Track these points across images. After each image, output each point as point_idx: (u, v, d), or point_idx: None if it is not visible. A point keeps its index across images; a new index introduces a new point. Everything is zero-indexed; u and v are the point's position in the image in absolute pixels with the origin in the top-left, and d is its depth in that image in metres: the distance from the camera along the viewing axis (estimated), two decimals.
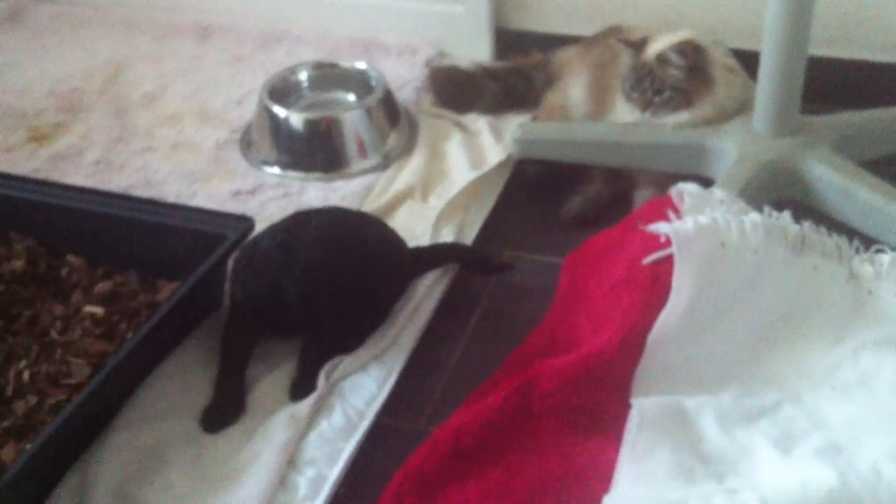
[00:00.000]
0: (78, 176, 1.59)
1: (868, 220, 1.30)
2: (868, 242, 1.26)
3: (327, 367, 1.21)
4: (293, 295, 1.21)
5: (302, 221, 1.29)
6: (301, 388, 1.20)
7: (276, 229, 1.27)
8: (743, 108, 1.44)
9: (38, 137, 1.71)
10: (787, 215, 1.24)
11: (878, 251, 1.24)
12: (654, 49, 1.45)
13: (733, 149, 1.39)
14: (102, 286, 1.31)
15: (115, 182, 1.57)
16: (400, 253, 1.33)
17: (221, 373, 1.21)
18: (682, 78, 1.42)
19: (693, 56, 1.41)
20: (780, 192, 1.36)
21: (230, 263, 1.27)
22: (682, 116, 1.44)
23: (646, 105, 1.44)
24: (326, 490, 1.09)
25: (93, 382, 1.09)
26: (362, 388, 1.21)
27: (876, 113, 1.49)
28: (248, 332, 1.25)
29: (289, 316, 1.22)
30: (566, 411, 1.12)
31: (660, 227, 1.21)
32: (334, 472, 1.11)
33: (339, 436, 1.15)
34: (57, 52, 1.95)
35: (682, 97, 1.43)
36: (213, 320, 1.29)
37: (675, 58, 1.41)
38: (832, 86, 1.58)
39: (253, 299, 1.23)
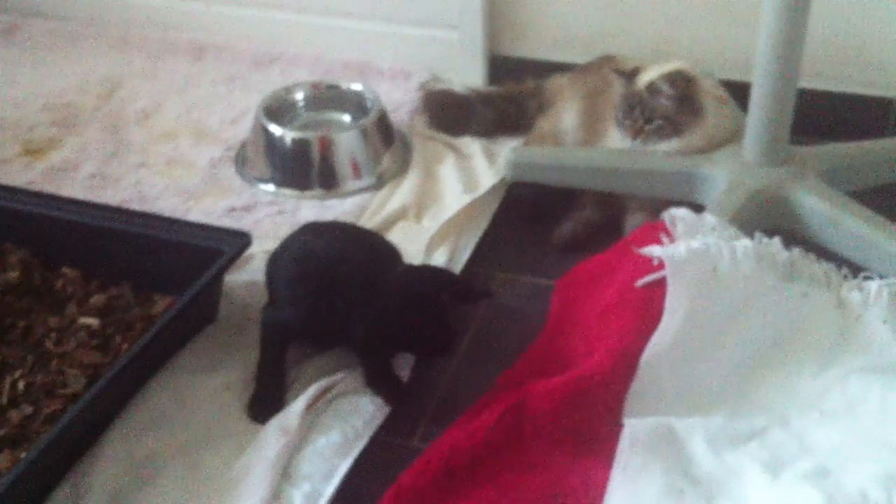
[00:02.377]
0: (72, 190, 1.59)
1: (855, 248, 1.32)
2: (856, 270, 1.28)
3: (324, 382, 1.22)
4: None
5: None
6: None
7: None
8: (733, 137, 1.46)
9: (33, 151, 1.71)
10: (776, 241, 1.27)
11: (866, 278, 1.26)
12: (644, 79, 1.47)
13: (723, 177, 1.42)
14: (97, 298, 1.32)
15: (109, 197, 1.58)
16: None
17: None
18: (671, 107, 1.45)
19: (683, 86, 1.44)
20: (769, 220, 1.38)
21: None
22: (672, 145, 1.46)
23: (636, 133, 1.47)
24: None
25: (89, 393, 1.10)
26: (360, 410, 1.21)
27: (863, 145, 1.51)
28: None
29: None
30: (558, 431, 1.13)
31: (653, 251, 1.23)
32: (329, 489, 1.12)
33: (335, 453, 1.15)
34: (52, 67, 1.96)
35: (672, 126, 1.45)
36: (208, 333, 1.30)
37: (665, 87, 1.44)
38: (821, 118, 1.61)
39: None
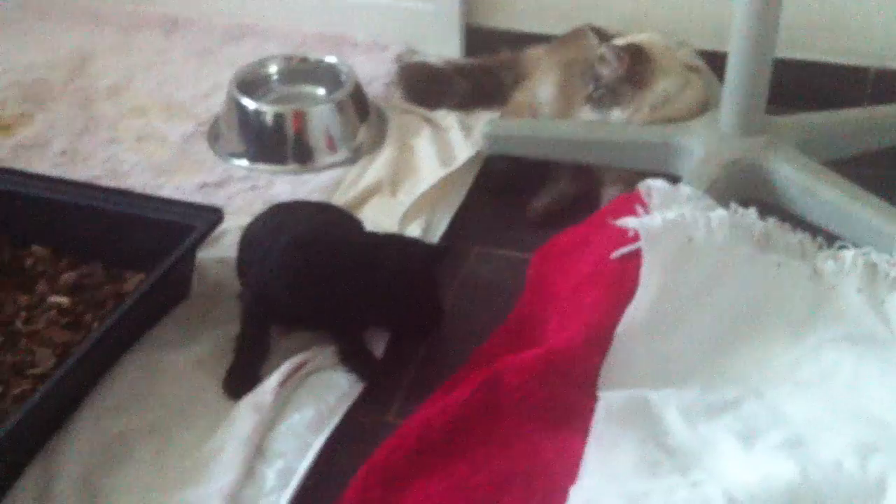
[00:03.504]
0: (43, 166, 1.57)
1: (831, 217, 1.32)
2: (831, 239, 1.28)
3: (297, 358, 1.21)
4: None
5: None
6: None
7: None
8: (705, 107, 1.46)
9: (2, 127, 1.68)
10: (752, 212, 1.26)
11: (841, 248, 1.26)
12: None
13: (700, 147, 1.41)
14: (68, 276, 1.30)
15: (80, 173, 1.55)
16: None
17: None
18: (613, 78, 1.44)
19: (629, 58, 1.43)
20: (746, 190, 1.37)
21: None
22: (616, 114, 1.46)
23: (587, 98, 1.48)
24: (295, 482, 1.09)
25: (58, 372, 1.09)
26: (334, 386, 1.20)
27: (839, 114, 1.51)
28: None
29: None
30: (532, 405, 1.13)
31: (628, 222, 1.22)
32: (303, 465, 1.11)
33: (308, 430, 1.15)
34: (21, 42, 1.93)
35: (612, 96, 1.45)
36: (180, 310, 1.28)
37: (609, 58, 1.44)
38: (797, 87, 1.60)
39: None
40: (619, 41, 1.46)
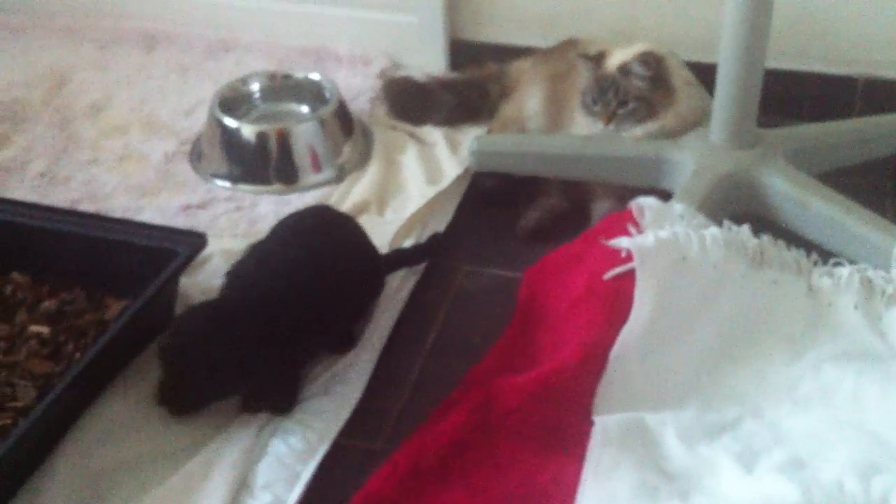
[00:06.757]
0: (21, 190, 1.55)
1: (824, 232, 1.31)
2: (826, 255, 1.27)
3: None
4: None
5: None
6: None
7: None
8: (701, 120, 1.44)
9: None
10: (745, 229, 1.25)
11: (837, 264, 1.25)
12: (613, 61, 1.44)
13: (691, 161, 1.39)
14: (48, 304, 1.27)
15: (59, 196, 1.53)
16: None
17: None
18: (646, 88, 1.42)
19: (655, 66, 1.41)
20: (738, 204, 1.36)
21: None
22: (647, 127, 1.43)
23: (609, 117, 1.43)
24: None
25: (39, 406, 1.06)
26: (322, 411, 1.18)
27: (830, 125, 1.50)
28: None
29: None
30: (528, 428, 1.11)
31: (621, 242, 1.21)
32: (292, 497, 1.08)
33: (297, 460, 1.12)
34: None
35: (647, 108, 1.42)
36: None
37: (638, 68, 1.41)
38: (788, 98, 1.59)
39: None
40: (620, 55, 1.44)
